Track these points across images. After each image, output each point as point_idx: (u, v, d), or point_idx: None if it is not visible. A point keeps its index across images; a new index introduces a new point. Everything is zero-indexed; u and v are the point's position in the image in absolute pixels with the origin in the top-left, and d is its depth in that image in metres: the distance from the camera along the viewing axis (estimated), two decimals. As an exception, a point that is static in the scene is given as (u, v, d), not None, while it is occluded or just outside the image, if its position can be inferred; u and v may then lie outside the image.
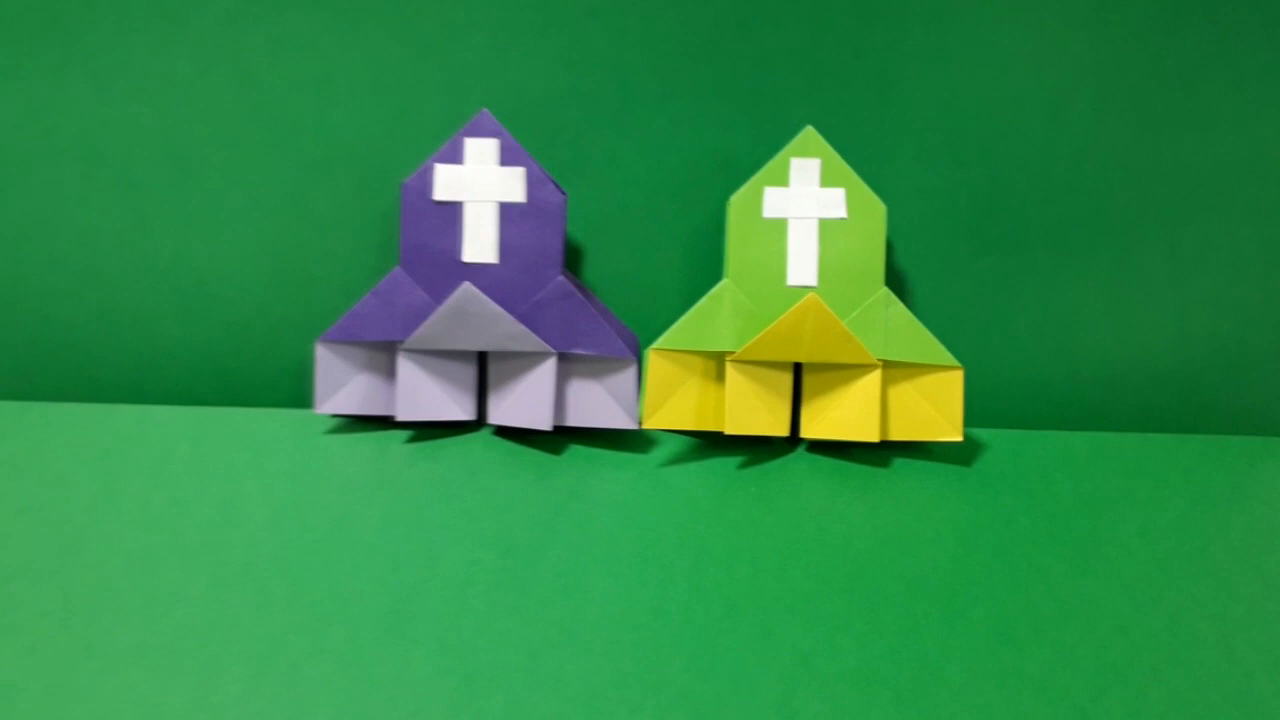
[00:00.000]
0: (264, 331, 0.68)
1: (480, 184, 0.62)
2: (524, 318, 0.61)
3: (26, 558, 0.51)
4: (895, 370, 0.62)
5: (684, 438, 0.64)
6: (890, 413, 0.62)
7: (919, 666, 0.46)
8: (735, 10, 0.65)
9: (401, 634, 0.46)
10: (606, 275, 0.69)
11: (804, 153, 0.62)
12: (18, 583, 0.49)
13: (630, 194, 0.68)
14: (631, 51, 0.66)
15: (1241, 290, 0.68)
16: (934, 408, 0.62)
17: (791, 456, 0.63)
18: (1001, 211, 0.67)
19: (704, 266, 0.67)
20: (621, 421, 0.62)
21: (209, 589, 0.49)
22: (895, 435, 0.62)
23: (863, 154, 0.64)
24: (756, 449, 0.63)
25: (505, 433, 0.64)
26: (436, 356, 0.62)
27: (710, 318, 0.62)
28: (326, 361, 0.63)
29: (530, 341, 0.61)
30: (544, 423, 0.60)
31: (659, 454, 0.62)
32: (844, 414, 0.61)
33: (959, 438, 0.61)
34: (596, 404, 0.63)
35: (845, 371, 0.61)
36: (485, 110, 0.62)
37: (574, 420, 0.63)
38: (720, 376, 0.62)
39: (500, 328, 0.60)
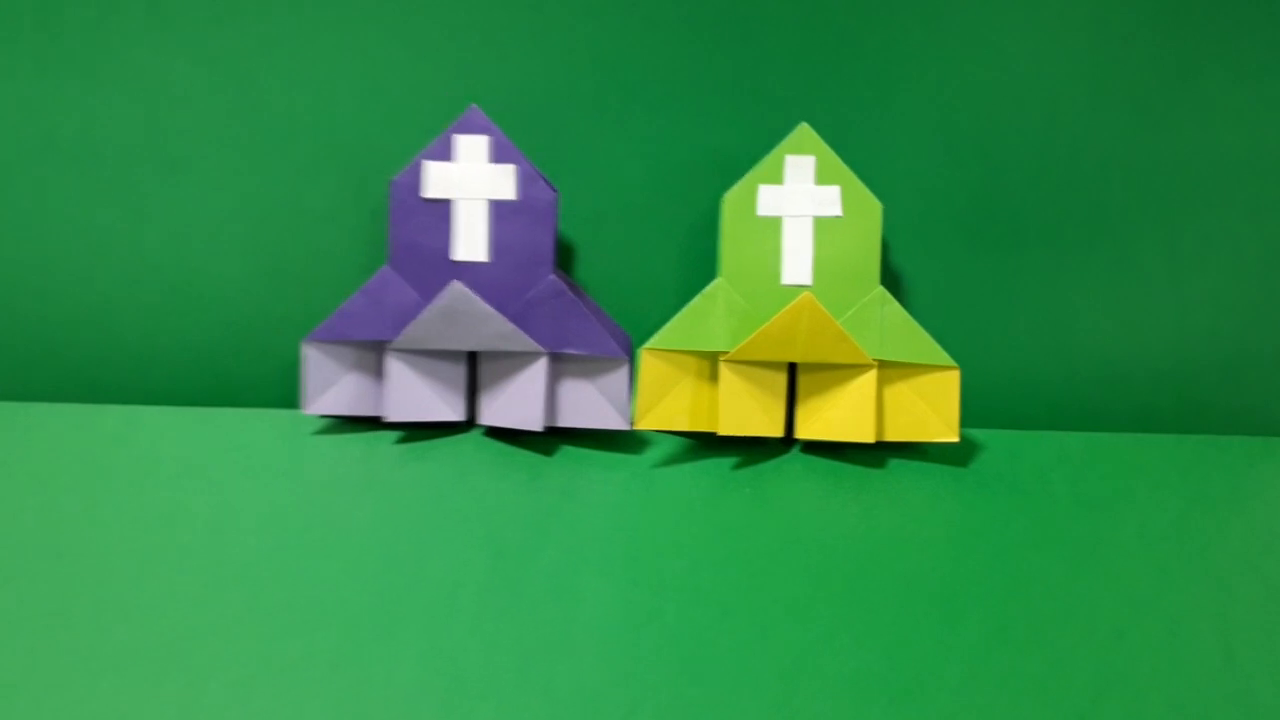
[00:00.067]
0: (252, 331, 0.67)
1: (470, 181, 0.61)
2: (515, 317, 0.61)
3: (13, 559, 0.50)
4: (891, 370, 0.61)
5: (677, 438, 0.64)
6: (886, 413, 0.62)
7: (915, 669, 0.45)
8: (729, 4, 0.65)
9: (391, 637, 0.46)
10: (599, 274, 0.68)
11: (799, 150, 0.62)
12: (3, 584, 0.48)
13: (623, 191, 0.67)
14: (623, 46, 0.66)
15: (1241, 289, 0.68)
16: (930, 408, 0.61)
17: (786, 457, 0.63)
18: (999, 210, 0.67)
19: (698, 265, 0.67)
20: (614, 422, 0.62)
21: (197, 591, 0.49)
22: (891, 436, 0.62)
23: (858, 151, 0.64)
24: (750, 450, 0.63)
25: (496, 433, 0.64)
26: (426, 356, 0.62)
27: (704, 317, 0.61)
28: (315, 361, 0.62)
29: (521, 341, 0.60)
30: (535, 423, 0.60)
31: (652, 455, 0.62)
32: (839, 414, 0.61)
33: (955, 438, 0.61)
34: (589, 404, 0.62)
35: (840, 371, 0.61)
36: (475, 106, 0.62)
37: (566, 421, 0.62)
38: (714, 376, 0.62)
39: (491, 327, 0.60)
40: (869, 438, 0.60)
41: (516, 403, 0.61)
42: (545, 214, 0.61)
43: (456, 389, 0.63)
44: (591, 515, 0.56)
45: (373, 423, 0.64)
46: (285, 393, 0.66)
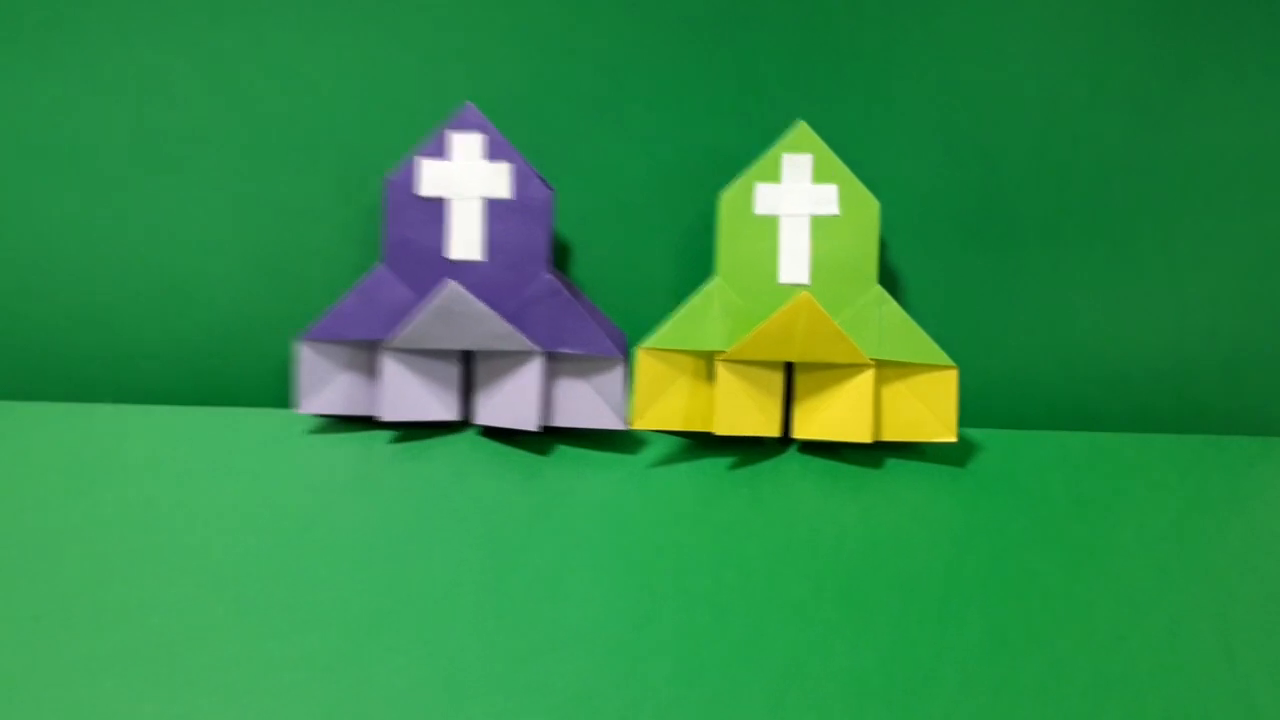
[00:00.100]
0: (245, 330, 0.67)
1: (465, 179, 0.61)
2: (510, 316, 0.60)
3: (5, 558, 0.50)
4: (888, 370, 0.61)
5: (674, 438, 0.64)
6: (883, 413, 0.61)
7: (912, 671, 0.45)
8: (727, 2, 0.65)
9: (386, 637, 0.46)
10: (595, 273, 0.68)
11: (796, 148, 0.62)
12: (-10, 585, 0.48)
13: (619, 190, 0.67)
14: (620, 43, 0.65)
15: (1240, 289, 0.68)
16: (927, 408, 0.61)
17: (783, 457, 0.62)
18: (996, 209, 0.67)
19: (694, 264, 0.67)
20: (610, 422, 0.61)
21: (189, 591, 0.48)
22: (888, 436, 0.61)
23: (856, 149, 0.64)
24: (747, 450, 0.63)
25: (491, 433, 0.63)
26: (421, 355, 0.61)
27: (700, 316, 0.61)
28: (309, 361, 0.62)
29: (517, 340, 0.60)
30: (531, 423, 0.60)
31: (648, 455, 0.62)
32: (836, 414, 0.60)
33: (953, 438, 0.60)
34: (584, 404, 0.62)
35: (838, 371, 0.61)
36: (470, 104, 0.61)
37: (561, 420, 0.62)
38: (710, 376, 0.62)
39: (486, 326, 0.60)
40: (866, 438, 0.60)
41: (512, 402, 0.60)
42: (541, 212, 0.61)
43: (451, 388, 0.62)
44: (587, 515, 0.56)
45: (367, 422, 0.63)
46: (279, 392, 0.66)
